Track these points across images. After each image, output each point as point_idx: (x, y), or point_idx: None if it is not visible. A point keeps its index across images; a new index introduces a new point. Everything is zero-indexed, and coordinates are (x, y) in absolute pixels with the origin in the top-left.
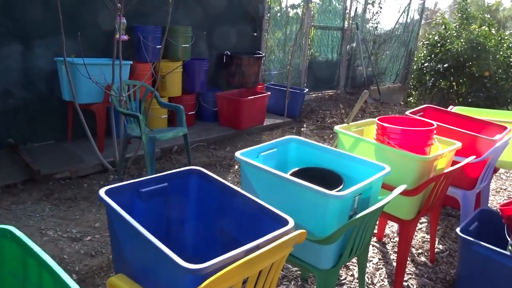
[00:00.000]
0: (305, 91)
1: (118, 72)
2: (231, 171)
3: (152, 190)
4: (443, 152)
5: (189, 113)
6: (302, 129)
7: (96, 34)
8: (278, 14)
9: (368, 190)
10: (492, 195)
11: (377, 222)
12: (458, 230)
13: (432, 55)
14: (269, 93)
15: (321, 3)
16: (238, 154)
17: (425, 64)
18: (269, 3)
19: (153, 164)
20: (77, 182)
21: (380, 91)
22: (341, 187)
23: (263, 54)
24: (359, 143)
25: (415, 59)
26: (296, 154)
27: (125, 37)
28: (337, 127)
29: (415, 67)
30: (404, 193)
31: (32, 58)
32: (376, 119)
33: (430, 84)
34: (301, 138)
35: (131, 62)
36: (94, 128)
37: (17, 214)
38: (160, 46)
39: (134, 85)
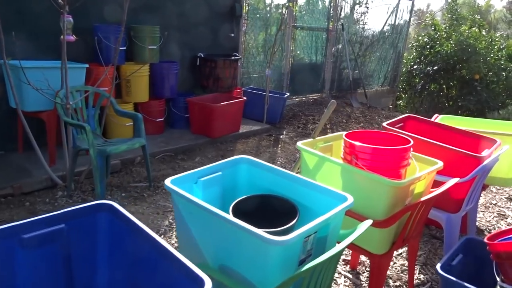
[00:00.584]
0: (286, 96)
1: (67, 76)
2: None
3: (43, 234)
4: (421, 174)
5: (157, 119)
6: (281, 136)
7: (48, 34)
8: (258, 14)
9: (326, 227)
10: (481, 211)
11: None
12: (438, 267)
13: (422, 57)
14: (245, 98)
15: (305, 3)
16: (168, 181)
17: (415, 67)
18: (247, 2)
19: (102, 180)
20: (20, 200)
21: (367, 94)
22: (293, 221)
23: (240, 57)
24: (323, 162)
25: (404, 61)
26: (247, 177)
27: (72, 38)
28: (299, 144)
29: (404, 70)
30: (375, 224)
31: None
32: (343, 135)
33: (420, 87)
34: (252, 158)
35: (87, 66)
36: (46, 138)
37: None
38: (123, 48)
39: (87, 91)
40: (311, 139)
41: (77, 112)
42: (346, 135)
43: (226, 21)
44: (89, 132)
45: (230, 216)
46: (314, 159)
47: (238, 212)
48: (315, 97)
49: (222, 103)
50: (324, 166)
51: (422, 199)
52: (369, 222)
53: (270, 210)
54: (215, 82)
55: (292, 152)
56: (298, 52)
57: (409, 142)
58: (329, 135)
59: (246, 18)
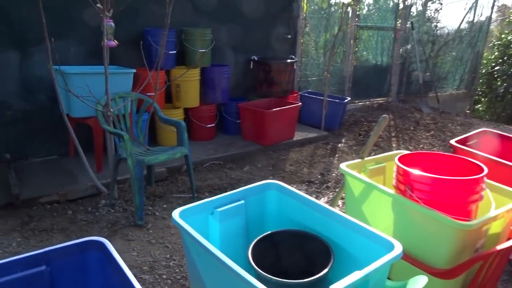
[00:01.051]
0: (346, 100)
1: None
2: None
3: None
4: (498, 212)
5: (208, 125)
6: (340, 145)
7: (96, 39)
8: (320, 14)
9: (364, 284)
10: None
11: None
12: None
13: (505, 57)
14: (300, 103)
15: (373, 0)
16: (176, 214)
17: (496, 68)
18: (306, 1)
19: (141, 191)
20: (64, 207)
21: (439, 98)
22: (325, 271)
23: (296, 59)
24: (371, 191)
25: (484, 61)
26: (276, 206)
27: (113, 43)
28: (344, 166)
29: (483, 71)
30: (435, 274)
31: (31, 66)
32: (396, 158)
33: (502, 90)
34: (283, 184)
35: (134, 70)
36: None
37: None
38: (173, 52)
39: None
40: (359, 160)
41: (122, 119)
42: (399, 159)
43: (282, 22)
44: (127, 141)
45: (240, 270)
46: (360, 185)
47: (261, 250)
48: (380, 102)
49: (275, 109)
50: (372, 195)
51: (499, 247)
52: (424, 280)
53: (300, 250)
54: (269, 87)
55: None
56: (364, 53)
57: (482, 170)
58: (382, 154)
59: (305, 18)
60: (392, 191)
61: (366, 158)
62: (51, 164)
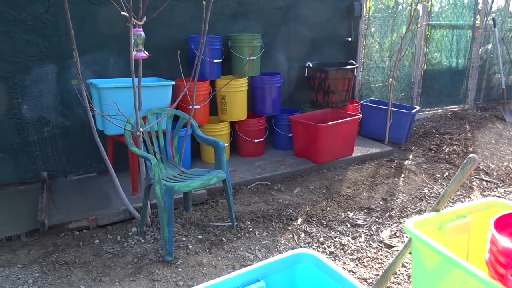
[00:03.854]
0: (414, 110)
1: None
2: (289, 228)
3: None
4: None
5: (256, 140)
6: (406, 162)
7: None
8: (386, 13)
9: None
10: None
11: None
12: None
13: None
14: (360, 115)
15: None
16: None
17: None
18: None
19: (170, 223)
20: (92, 235)
21: None
22: None
23: (357, 65)
24: (449, 267)
25: None
26: (309, 285)
27: (143, 55)
28: (409, 225)
29: None
30: None
31: (69, 80)
32: (491, 221)
33: None
34: (318, 256)
35: (173, 82)
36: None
37: None
38: (219, 60)
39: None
40: (432, 213)
41: (155, 138)
42: (496, 223)
43: (341, 24)
44: (155, 165)
45: None
46: (433, 255)
47: None
48: (454, 110)
49: (330, 123)
50: (453, 274)
51: None
52: None
53: None
54: (326, 96)
55: (419, 185)
56: (436, 55)
57: None
58: (467, 204)
59: (368, 18)
60: (485, 275)
61: (442, 211)
62: (87, 183)
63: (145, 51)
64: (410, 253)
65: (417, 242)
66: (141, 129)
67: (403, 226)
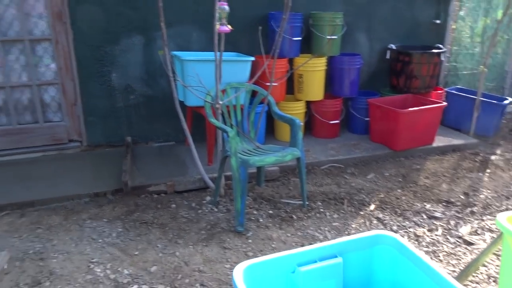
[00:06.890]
0: (506, 102)
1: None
2: (361, 213)
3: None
4: None
5: (332, 122)
6: (493, 157)
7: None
8: None
9: None
10: None
11: None
12: None
13: None
14: (445, 103)
15: None
16: (239, 271)
17: None
18: None
19: (243, 195)
20: (169, 199)
21: None
22: None
23: (444, 49)
24: None
25: None
26: (390, 271)
27: (226, 29)
28: (501, 218)
29: None
30: None
31: (154, 51)
32: None
33: None
34: (400, 240)
35: (253, 58)
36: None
37: (83, 235)
38: (299, 38)
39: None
40: None
41: (233, 112)
42: None
43: (429, 4)
44: (232, 138)
45: None
46: None
47: None
48: None
49: (411, 109)
50: None
51: None
52: None
53: None
54: (408, 81)
55: (506, 182)
56: None
57: None
58: None
59: (460, 0)
60: None
61: None
62: (166, 151)
63: (228, 25)
64: (494, 252)
65: (510, 237)
66: (220, 102)
67: (497, 223)
